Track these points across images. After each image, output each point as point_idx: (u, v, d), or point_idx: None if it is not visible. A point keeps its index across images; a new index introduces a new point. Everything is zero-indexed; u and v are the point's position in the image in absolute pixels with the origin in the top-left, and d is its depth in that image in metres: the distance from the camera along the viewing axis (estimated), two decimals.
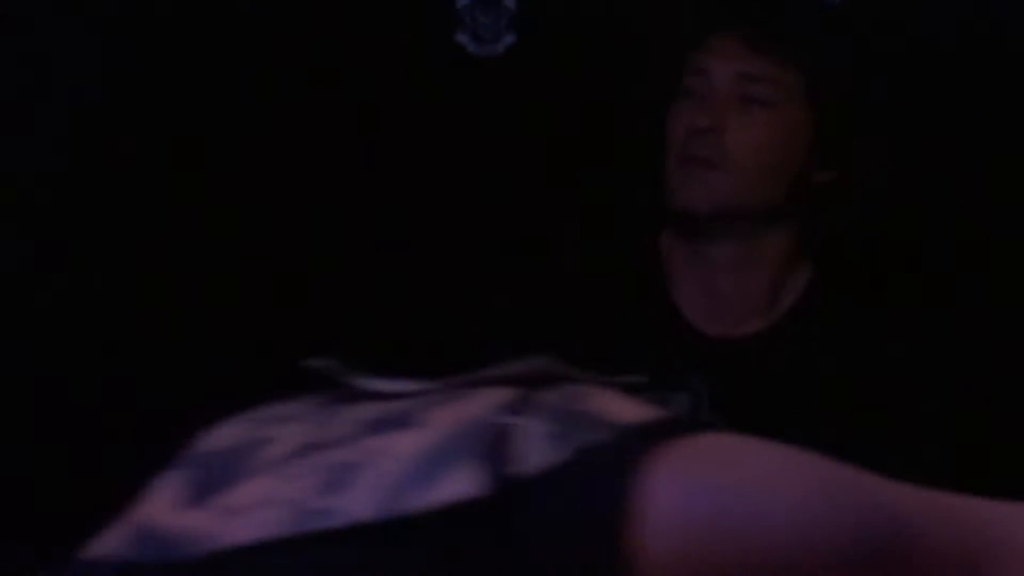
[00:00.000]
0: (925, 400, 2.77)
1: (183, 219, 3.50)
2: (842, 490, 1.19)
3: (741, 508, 1.14)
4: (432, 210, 3.34)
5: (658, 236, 2.82)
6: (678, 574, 1.11)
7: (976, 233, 3.18)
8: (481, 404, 1.22)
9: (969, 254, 3.18)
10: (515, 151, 3.28)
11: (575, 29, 3.35)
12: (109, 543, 1.21)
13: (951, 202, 3.17)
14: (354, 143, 3.45)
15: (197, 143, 3.51)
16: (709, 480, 1.14)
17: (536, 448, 1.14)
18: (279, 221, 3.42)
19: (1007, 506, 1.27)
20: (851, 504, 1.18)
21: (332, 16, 3.46)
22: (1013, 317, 3.11)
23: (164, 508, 1.22)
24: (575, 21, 3.38)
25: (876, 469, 2.22)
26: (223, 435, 1.29)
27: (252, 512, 1.19)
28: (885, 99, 3.02)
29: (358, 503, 1.16)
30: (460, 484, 1.12)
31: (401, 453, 1.18)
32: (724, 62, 2.71)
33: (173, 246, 3.46)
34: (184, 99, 3.56)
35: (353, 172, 3.50)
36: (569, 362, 1.25)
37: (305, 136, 3.46)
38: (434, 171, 3.40)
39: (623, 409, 1.23)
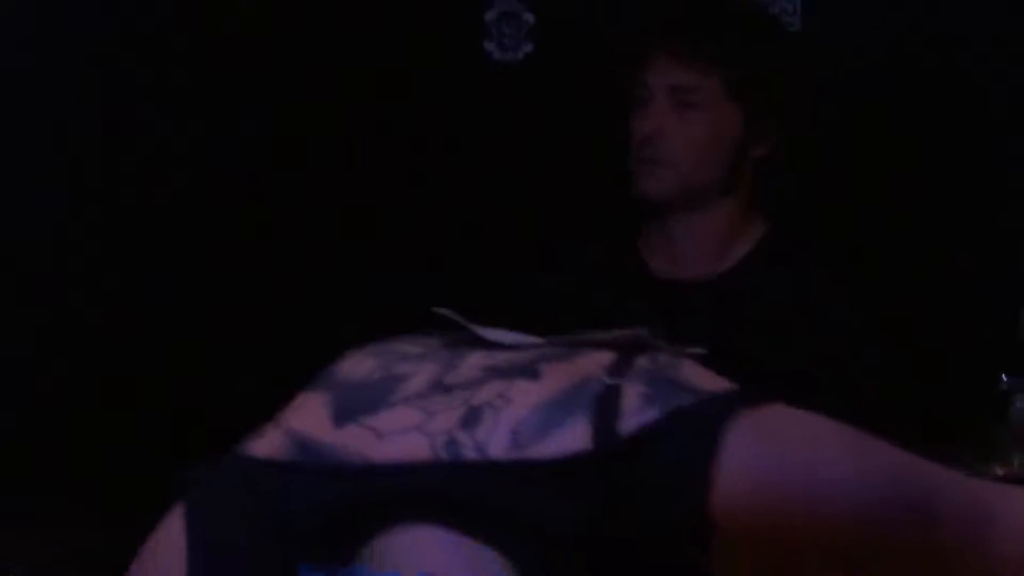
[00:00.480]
0: (850, 351, 2.94)
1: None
2: (879, 455, 1.33)
3: (802, 465, 1.28)
4: (466, 191, 3.59)
5: (635, 211, 3.10)
6: (753, 523, 1.25)
7: (901, 204, 3.39)
8: (590, 364, 1.33)
9: (894, 221, 3.38)
10: (529, 144, 3.57)
11: (581, 42, 3.65)
12: (269, 445, 1.34)
13: (882, 176, 3.39)
14: (390, 137, 3.70)
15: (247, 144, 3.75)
16: (777, 444, 1.29)
17: (634, 407, 1.26)
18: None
19: (1001, 485, 1.51)
20: (886, 467, 1.32)
21: (376, 25, 3.72)
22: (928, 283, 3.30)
23: (315, 423, 1.33)
24: (581, 35, 3.67)
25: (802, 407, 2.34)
26: (359, 365, 1.40)
27: (398, 436, 1.30)
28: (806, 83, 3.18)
29: (490, 441, 1.27)
30: (575, 436, 1.23)
31: (526, 400, 1.28)
32: (658, 76, 2.95)
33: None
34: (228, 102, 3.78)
35: (386, 163, 3.73)
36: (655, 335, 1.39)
37: (351, 132, 3.71)
38: (458, 159, 3.70)
39: (703, 378, 1.36)
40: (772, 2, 3.56)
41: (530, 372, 1.31)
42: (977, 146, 3.35)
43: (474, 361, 1.35)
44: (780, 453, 1.26)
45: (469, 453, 1.24)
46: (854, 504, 1.27)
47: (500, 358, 1.35)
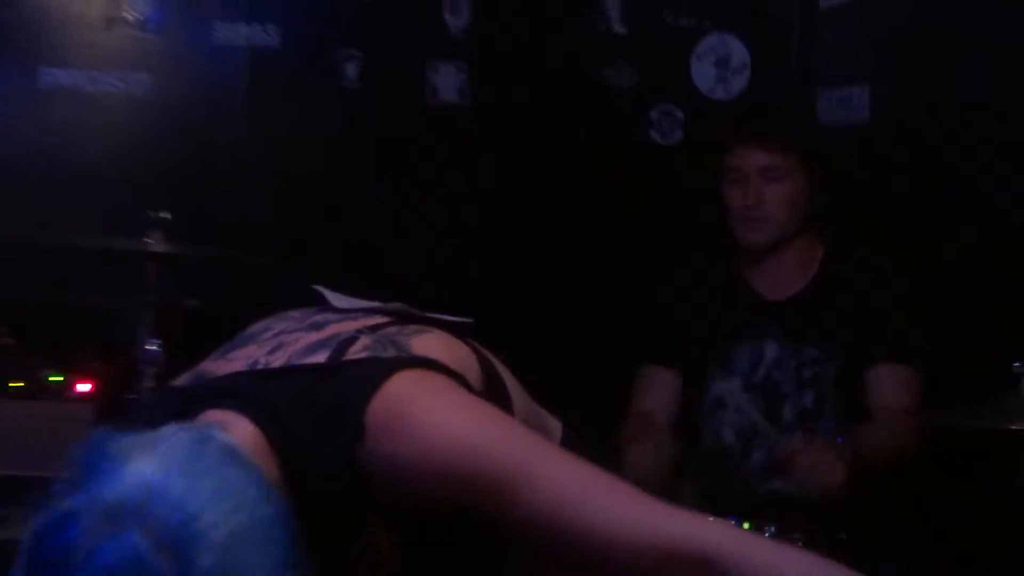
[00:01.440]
0: (896, 330, 3.13)
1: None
2: (488, 431, 1.55)
3: (427, 425, 1.51)
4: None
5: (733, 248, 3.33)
6: (384, 435, 1.49)
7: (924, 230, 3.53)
8: (356, 324, 1.67)
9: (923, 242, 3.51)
10: (679, 205, 3.88)
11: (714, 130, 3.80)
12: (182, 379, 1.69)
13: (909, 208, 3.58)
14: (572, 200, 3.94)
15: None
16: (414, 402, 1.52)
17: (356, 349, 1.59)
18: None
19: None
20: (481, 438, 1.53)
21: (577, 119, 4.07)
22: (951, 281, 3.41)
23: (211, 361, 1.68)
24: (714, 126, 3.90)
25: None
26: (256, 325, 1.75)
27: (236, 361, 1.64)
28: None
29: (273, 361, 1.61)
30: (320, 359, 1.58)
31: (307, 339, 1.64)
32: (750, 161, 3.22)
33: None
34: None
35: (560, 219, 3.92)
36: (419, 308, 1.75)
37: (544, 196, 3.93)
38: (628, 215, 3.95)
39: (421, 344, 1.65)
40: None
41: (320, 326, 1.67)
42: (982, 168, 3.39)
43: (306, 318, 1.72)
44: (414, 399, 1.52)
45: (256, 365, 1.60)
46: (444, 454, 1.49)
47: (319, 319, 1.71)
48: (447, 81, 4.10)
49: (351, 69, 4.05)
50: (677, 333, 3.34)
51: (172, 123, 3.97)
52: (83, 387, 3.35)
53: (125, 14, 3.94)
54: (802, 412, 3.16)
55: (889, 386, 3.07)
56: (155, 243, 3.12)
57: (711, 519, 1.57)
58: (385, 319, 1.69)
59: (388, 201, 4.00)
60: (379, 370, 1.53)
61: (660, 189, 4.06)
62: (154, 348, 3.12)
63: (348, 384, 1.52)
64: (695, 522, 1.51)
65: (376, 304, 1.74)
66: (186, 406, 1.52)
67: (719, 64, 4.21)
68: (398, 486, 1.47)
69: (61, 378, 3.34)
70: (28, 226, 3.70)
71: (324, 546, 1.25)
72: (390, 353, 1.59)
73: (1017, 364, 2.64)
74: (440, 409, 1.53)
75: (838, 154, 3.40)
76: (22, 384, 3.34)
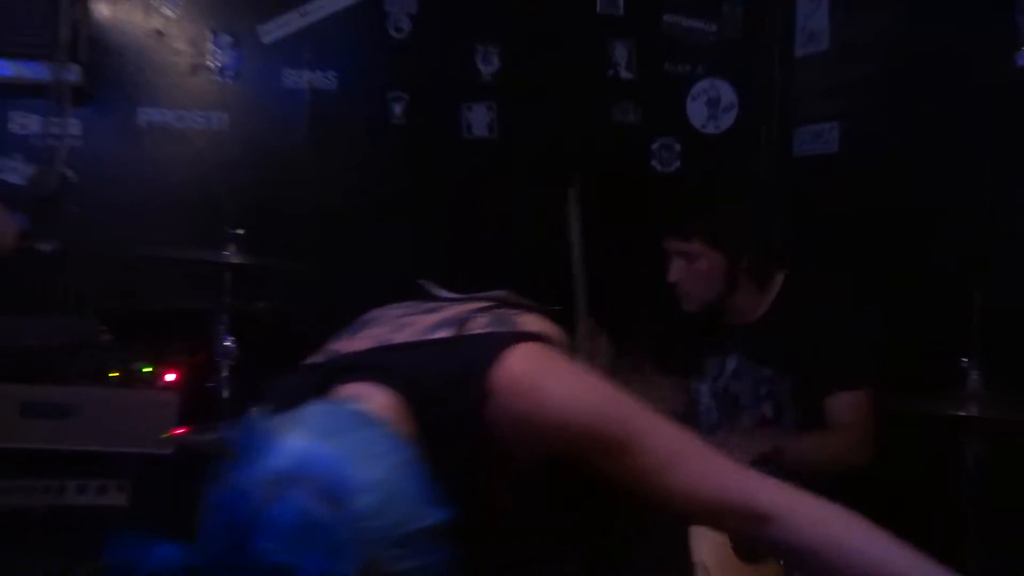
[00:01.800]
0: (847, 358, 2.97)
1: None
2: (605, 398, 1.53)
3: (547, 392, 1.50)
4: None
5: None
6: (509, 396, 1.47)
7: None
8: (468, 306, 1.64)
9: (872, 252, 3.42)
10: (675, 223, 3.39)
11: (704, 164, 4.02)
12: (315, 357, 1.65)
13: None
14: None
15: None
16: (537, 370, 1.51)
17: (476, 326, 1.58)
18: None
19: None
20: (596, 405, 1.52)
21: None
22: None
23: (334, 343, 1.66)
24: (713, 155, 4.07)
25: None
26: (374, 312, 1.72)
27: (364, 340, 1.61)
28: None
29: (400, 337, 1.59)
30: (444, 334, 1.56)
31: (427, 321, 1.62)
32: (672, 249, 3.15)
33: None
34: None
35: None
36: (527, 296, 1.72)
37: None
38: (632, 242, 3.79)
39: (526, 323, 1.64)
40: None
41: (436, 309, 1.65)
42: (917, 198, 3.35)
43: (419, 307, 1.67)
44: (536, 367, 1.51)
45: (385, 342, 1.58)
46: (570, 413, 1.50)
47: (431, 306, 1.68)
48: (479, 118, 4.11)
49: (398, 108, 4.05)
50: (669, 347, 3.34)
51: (246, 154, 3.98)
52: (169, 377, 3.35)
53: (207, 62, 3.97)
54: (761, 419, 3.08)
55: (842, 409, 2.94)
56: (231, 255, 3.14)
57: (766, 478, 1.53)
58: (491, 303, 1.66)
59: (427, 219, 3.98)
60: (500, 341, 1.52)
61: (659, 211, 3.86)
62: (229, 344, 3.17)
63: (474, 353, 1.51)
64: (754, 482, 1.52)
65: (479, 293, 1.70)
66: (325, 380, 1.50)
67: (710, 104, 4.23)
68: (521, 441, 1.46)
69: (151, 369, 3.35)
70: (125, 241, 3.71)
71: (452, 495, 1.22)
72: (505, 328, 1.58)
73: (964, 360, 2.62)
74: (563, 375, 1.53)
75: (807, 183, 3.36)
76: (118, 374, 3.33)
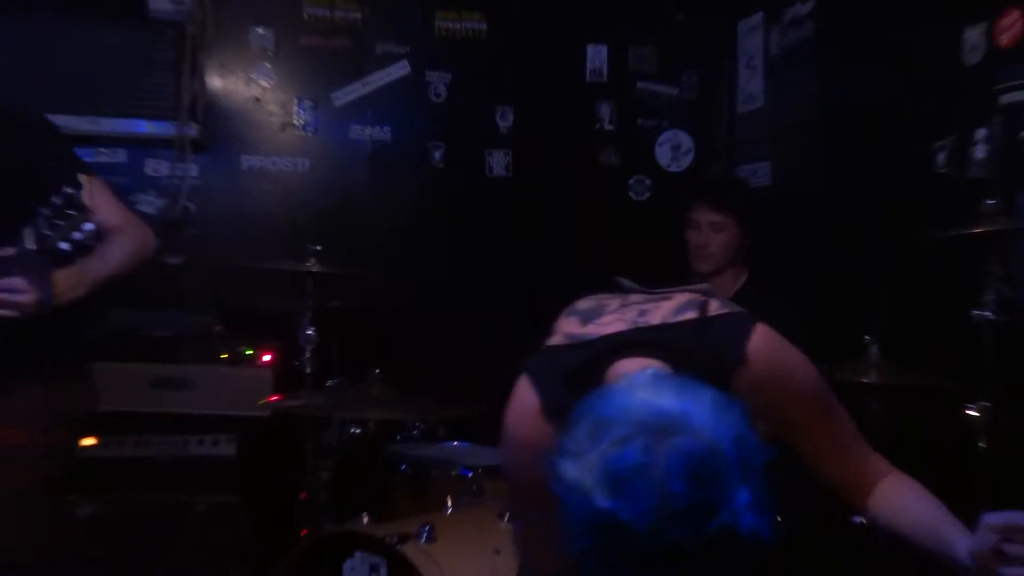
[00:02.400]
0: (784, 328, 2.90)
1: None
2: (820, 376, 1.46)
3: (789, 363, 1.44)
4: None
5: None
6: (761, 369, 1.38)
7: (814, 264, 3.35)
8: (691, 295, 1.49)
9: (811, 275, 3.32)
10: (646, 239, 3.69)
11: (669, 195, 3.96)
12: (557, 340, 1.49)
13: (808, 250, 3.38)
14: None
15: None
16: (777, 338, 1.44)
17: (714, 308, 1.45)
18: None
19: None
20: (815, 378, 1.45)
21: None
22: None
23: (574, 327, 1.50)
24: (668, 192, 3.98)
25: None
26: (584, 303, 1.55)
27: (610, 324, 1.46)
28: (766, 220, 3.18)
29: (650, 320, 1.45)
30: (689, 316, 1.44)
31: (667, 305, 1.48)
32: (702, 217, 3.10)
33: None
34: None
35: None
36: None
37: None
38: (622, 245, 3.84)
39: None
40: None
41: (666, 297, 1.51)
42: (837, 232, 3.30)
43: (636, 298, 1.53)
44: (779, 343, 1.45)
45: (640, 324, 1.45)
46: (802, 383, 1.44)
47: (643, 297, 1.54)
48: (498, 162, 4.09)
49: (437, 154, 4.04)
50: None
51: (322, 190, 3.97)
52: (266, 357, 3.36)
53: (293, 121, 3.97)
54: None
55: None
56: (311, 266, 3.14)
57: (886, 463, 1.49)
58: (703, 291, 1.52)
59: (460, 239, 3.96)
60: (744, 320, 1.44)
61: (636, 230, 4.03)
62: (310, 333, 3.14)
63: (726, 328, 1.43)
64: (875, 462, 1.49)
65: (686, 286, 1.56)
66: (597, 357, 1.40)
67: (673, 149, 4.20)
68: (761, 405, 1.29)
69: (252, 352, 3.35)
70: (232, 255, 3.70)
71: None
72: (736, 311, 1.48)
73: (867, 337, 2.61)
74: (796, 352, 1.47)
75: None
76: (227, 355, 3.35)
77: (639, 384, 1.12)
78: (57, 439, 2.36)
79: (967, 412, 2.30)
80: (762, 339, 1.42)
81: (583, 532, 1.04)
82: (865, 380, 2.54)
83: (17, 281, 1.97)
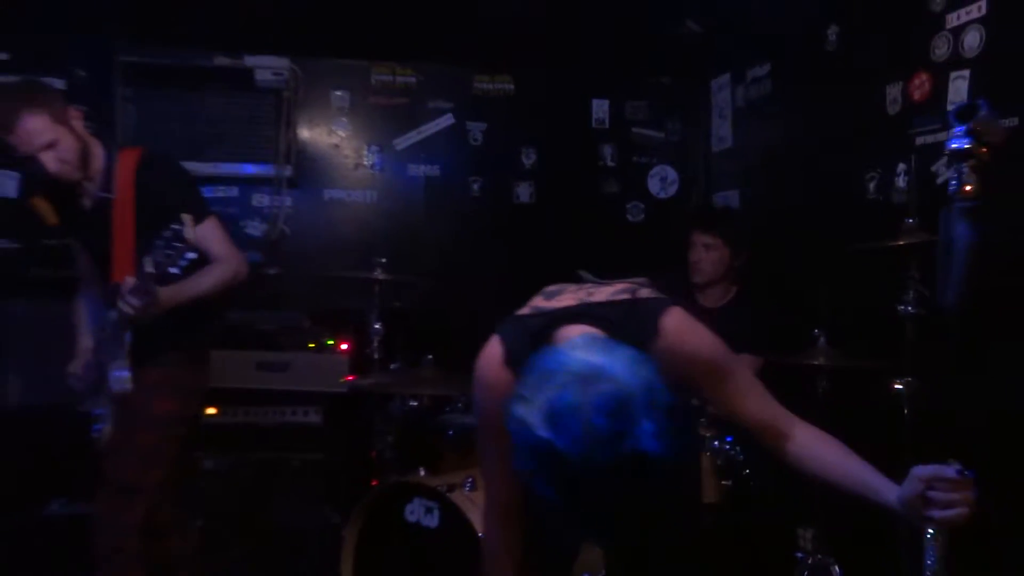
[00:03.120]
0: (755, 335, 2.68)
1: None
2: (723, 344, 1.43)
3: (694, 336, 1.42)
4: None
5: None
6: (672, 344, 1.37)
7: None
8: (631, 284, 1.49)
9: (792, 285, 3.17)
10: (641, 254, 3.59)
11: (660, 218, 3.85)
12: (524, 311, 1.49)
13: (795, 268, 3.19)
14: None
15: None
16: (687, 323, 1.42)
17: (644, 294, 1.45)
18: None
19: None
20: (723, 350, 1.43)
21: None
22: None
23: (538, 302, 1.52)
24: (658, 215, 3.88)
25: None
26: (550, 287, 1.57)
27: (565, 301, 1.47)
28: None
29: (593, 299, 1.45)
30: (622, 297, 1.44)
31: (608, 290, 1.48)
32: (697, 239, 3.01)
33: None
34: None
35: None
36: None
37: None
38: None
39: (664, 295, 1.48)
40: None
41: (610, 284, 1.51)
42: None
43: (588, 284, 1.54)
44: (687, 321, 1.43)
45: (585, 301, 1.46)
46: (706, 350, 1.42)
47: (595, 283, 1.54)
48: (523, 191, 4.05)
49: (476, 186, 4.01)
50: None
51: (386, 215, 3.95)
52: (344, 346, 3.35)
53: (364, 162, 3.95)
54: None
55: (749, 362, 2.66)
56: (378, 274, 3.13)
57: (790, 413, 1.46)
58: (638, 283, 1.51)
59: (493, 252, 3.91)
60: (663, 303, 1.44)
61: (632, 245, 3.97)
62: (377, 327, 3.15)
63: (648, 308, 1.42)
64: (787, 414, 1.45)
65: (626, 278, 1.54)
66: (552, 323, 1.42)
67: (662, 180, 4.14)
68: (672, 366, 1.29)
69: (333, 341, 3.35)
70: (318, 268, 3.68)
71: None
72: (661, 296, 1.48)
73: (815, 330, 2.58)
74: (702, 328, 1.45)
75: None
76: (314, 345, 3.34)
77: (576, 345, 1.16)
78: (190, 408, 2.43)
79: (895, 387, 2.28)
80: (673, 317, 1.41)
81: (530, 458, 1.08)
82: (815, 363, 2.53)
83: (132, 299, 2.06)
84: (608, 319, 1.40)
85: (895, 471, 1.30)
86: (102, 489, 2.25)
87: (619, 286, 1.49)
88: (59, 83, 3.49)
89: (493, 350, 1.44)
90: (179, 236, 1.93)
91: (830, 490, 1.35)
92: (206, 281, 2.24)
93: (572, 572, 1.86)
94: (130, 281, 2.05)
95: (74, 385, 2.34)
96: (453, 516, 2.19)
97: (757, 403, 1.44)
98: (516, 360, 1.37)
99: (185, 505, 2.62)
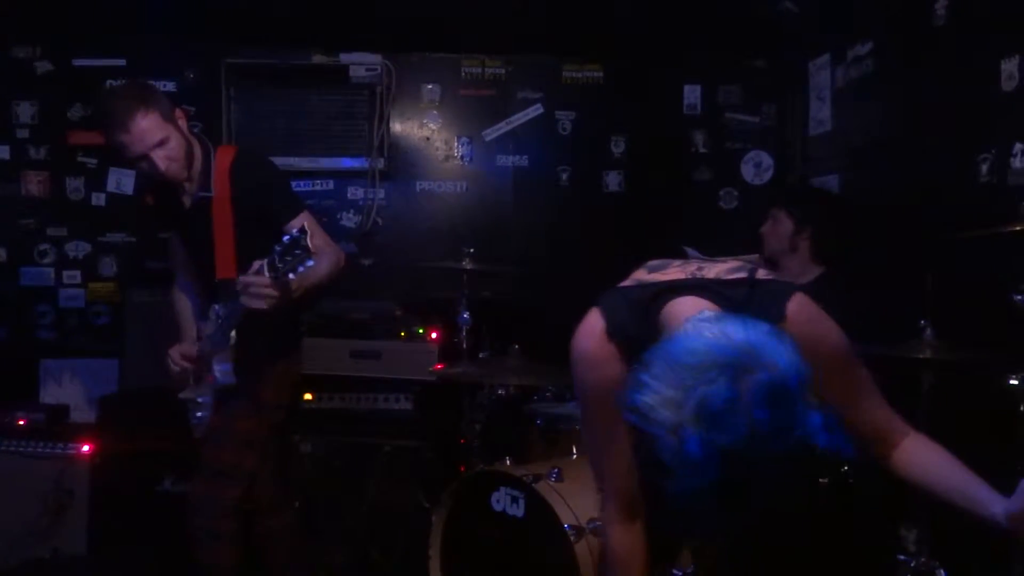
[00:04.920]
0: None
1: None
2: (842, 336, 1.33)
3: (822, 326, 1.31)
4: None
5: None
6: (798, 328, 1.22)
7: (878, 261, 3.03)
8: (743, 261, 1.42)
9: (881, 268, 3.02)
10: (732, 238, 3.23)
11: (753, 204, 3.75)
12: (627, 282, 1.43)
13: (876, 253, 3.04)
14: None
15: None
16: (815, 311, 1.32)
17: (762, 274, 1.36)
18: None
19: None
20: (845, 343, 1.31)
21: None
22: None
23: (641, 275, 1.45)
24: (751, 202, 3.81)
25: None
26: (653, 262, 1.49)
27: (671, 275, 1.39)
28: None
29: (705, 274, 1.37)
30: (740, 275, 1.35)
31: (719, 267, 1.39)
32: (769, 212, 2.91)
33: None
34: None
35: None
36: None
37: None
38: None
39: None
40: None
41: (722, 261, 1.44)
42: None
43: (696, 260, 1.48)
44: (814, 308, 1.33)
45: (697, 276, 1.37)
46: (832, 344, 1.32)
47: (704, 259, 1.50)
48: (613, 180, 3.98)
49: (564, 176, 3.96)
50: None
51: (477, 205, 3.95)
52: (433, 335, 3.37)
53: (455, 153, 3.94)
54: None
55: None
56: (467, 264, 3.14)
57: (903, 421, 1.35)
58: (752, 262, 1.44)
59: (582, 242, 3.87)
60: (787, 286, 1.34)
61: (724, 233, 3.83)
62: (466, 316, 3.15)
63: (772, 290, 1.32)
64: (897, 421, 1.36)
65: (736, 257, 1.48)
66: (657, 295, 1.32)
67: (756, 166, 3.99)
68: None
69: (423, 331, 3.37)
70: (409, 258, 3.73)
71: None
72: (781, 279, 1.39)
73: (922, 321, 2.36)
74: (830, 320, 1.34)
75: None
76: (405, 333, 3.37)
77: (705, 325, 1.04)
78: (287, 395, 2.49)
79: (1009, 382, 2.11)
80: (800, 303, 1.30)
81: (670, 455, 0.96)
82: (921, 356, 2.34)
83: (260, 290, 2.02)
84: (726, 297, 1.29)
85: (1006, 478, 1.22)
86: (198, 472, 2.32)
87: (731, 264, 1.40)
88: (170, 85, 3.68)
89: (593, 322, 1.37)
90: (299, 243, 1.90)
91: (932, 499, 1.26)
92: (321, 270, 2.20)
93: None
94: (251, 278, 2.01)
95: (172, 369, 2.40)
96: (539, 506, 2.16)
97: (872, 405, 1.34)
98: (619, 330, 1.31)
99: (284, 486, 2.69)
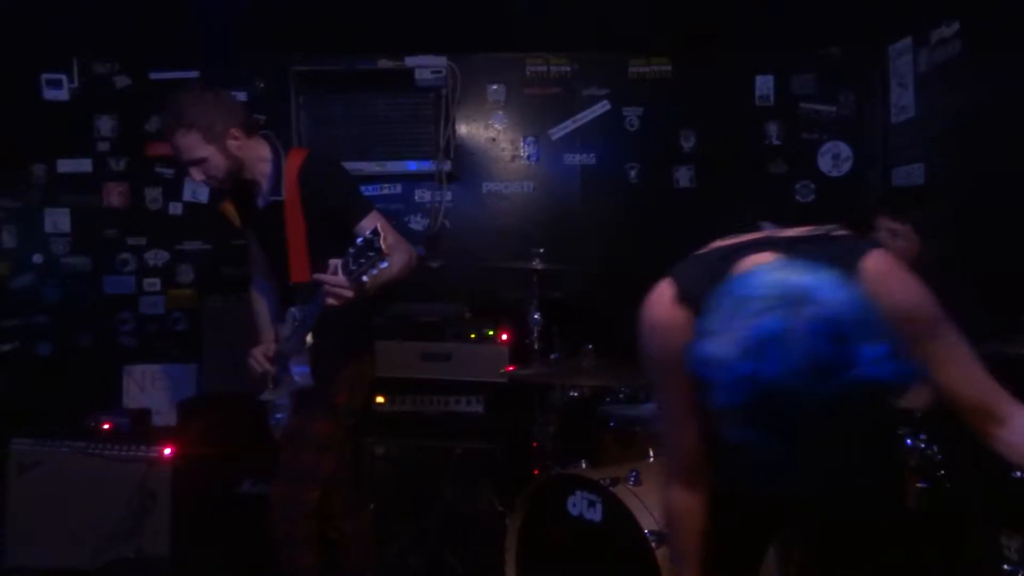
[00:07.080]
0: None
1: None
2: (931, 295, 1.25)
3: (900, 280, 1.23)
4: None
5: None
6: (876, 277, 1.17)
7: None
8: (825, 228, 1.33)
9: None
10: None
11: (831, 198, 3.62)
12: (703, 250, 1.39)
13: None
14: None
15: None
16: (894, 265, 1.24)
17: (841, 233, 1.30)
18: None
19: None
20: (931, 300, 1.24)
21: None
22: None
23: (717, 243, 1.39)
24: (829, 195, 3.74)
25: None
26: (718, 242, 1.42)
27: (752, 236, 1.34)
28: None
29: (787, 235, 1.31)
30: (825, 233, 1.29)
31: (798, 231, 1.33)
32: (883, 223, 2.61)
33: None
34: None
35: None
36: None
37: None
38: None
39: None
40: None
41: (795, 228, 1.37)
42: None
43: (773, 229, 1.43)
44: (894, 263, 1.26)
45: (772, 235, 1.34)
46: (911, 299, 1.24)
47: (781, 230, 1.40)
48: (683, 175, 3.89)
49: (633, 172, 3.89)
50: None
51: (544, 205, 3.92)
52: (504, 336, 3.37)
53: (521, 153, 3.94)
54: None
55: None
56: (537, 264, 3.12)
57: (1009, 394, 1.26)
58: (835, 227, 1.36)
59: (653, 240, 3.74)
60: (867, 242, 1.28)
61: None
62: (537, 317, 3.15)
63: (847, 245, 1.26)
64: (1004, 394, 1.27)
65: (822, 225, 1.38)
66: (729, 254, 1.29)
67: (834, 158, 3.84)
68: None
69: (493, 332, 3.35)
70: (478, 260, 3.70)
71: None
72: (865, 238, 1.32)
73: None
74: (910, 274, 1.27)
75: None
76: (475, 335, 3.35)
77: (770, 267, 1.04)
78: (361, 398, 2.49)
79: None
80: (878, 258, 1.24)
81: (732, 397, 0.95)
82: None
83: (338, 290, 2.00)
84: (799, 251, 1.22)
85: None
86: (278, 475, 2.32)
87: (812, 228, 1.35)
88: (242, 95, 3.75)
89: (663, 289, 1.34)
90: (372, 245, 1.89)
91: None
92: (394, 269, 2.17)
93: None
94: (329, 276, 2.00)
95: (254, 370, 2.42)
96: (617, 511, 2.10)
97: (968, 374, 1.25)
98: (691, 297, 1.26)
99: (358, 489, 2.70)
